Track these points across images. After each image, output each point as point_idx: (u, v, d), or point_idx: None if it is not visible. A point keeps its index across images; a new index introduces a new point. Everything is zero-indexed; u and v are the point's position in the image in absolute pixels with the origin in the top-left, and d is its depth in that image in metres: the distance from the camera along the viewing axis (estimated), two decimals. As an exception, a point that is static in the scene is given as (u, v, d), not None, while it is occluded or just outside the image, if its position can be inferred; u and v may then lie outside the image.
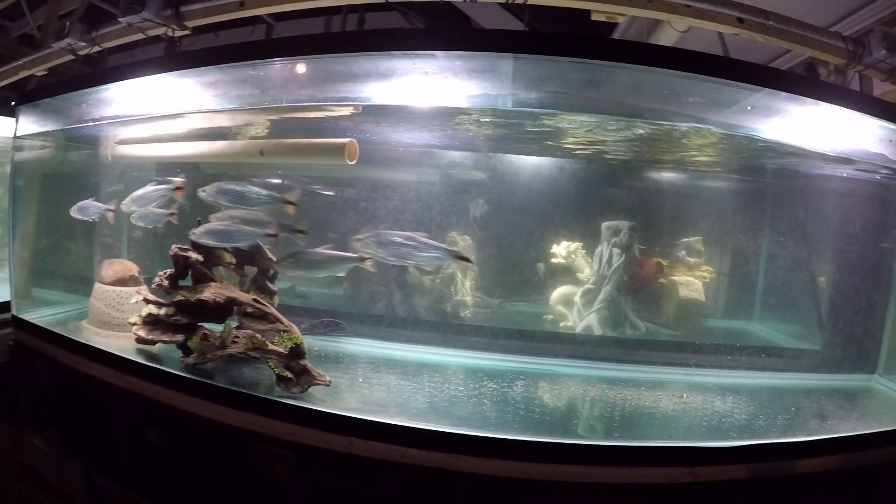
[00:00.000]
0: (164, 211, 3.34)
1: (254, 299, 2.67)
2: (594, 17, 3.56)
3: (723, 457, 2.44)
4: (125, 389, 2.81)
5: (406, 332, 3.59)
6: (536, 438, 2.36)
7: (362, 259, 2.75)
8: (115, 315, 3.36)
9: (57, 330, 3.32)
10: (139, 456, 2.89)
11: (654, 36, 4.77)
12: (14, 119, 3.68)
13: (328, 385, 2.53)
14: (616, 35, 5.50)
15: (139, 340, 2.95)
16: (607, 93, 2.81)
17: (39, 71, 5.38)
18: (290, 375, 2.50)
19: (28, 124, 3.72)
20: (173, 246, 2.85)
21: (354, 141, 2.84)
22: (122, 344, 3.10)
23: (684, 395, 3.10)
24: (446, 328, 3.68)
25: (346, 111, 2.88)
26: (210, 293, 2.70)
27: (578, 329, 3.72)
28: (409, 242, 2.67)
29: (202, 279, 2.84)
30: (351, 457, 2.31)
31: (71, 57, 4.85)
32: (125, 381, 2.82)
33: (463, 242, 3.67)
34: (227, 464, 2.58)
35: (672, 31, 4.45)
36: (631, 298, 3.76)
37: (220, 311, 2.70)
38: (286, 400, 2.45)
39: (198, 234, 2.84)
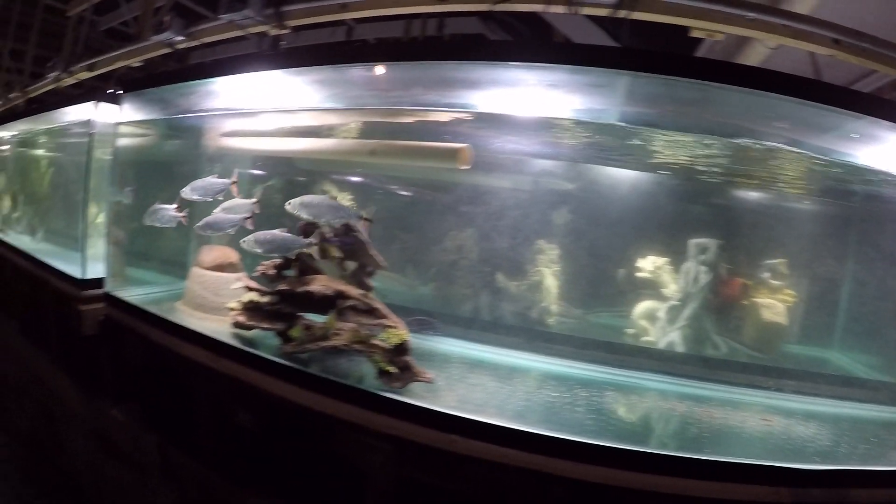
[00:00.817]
0: (175, 213, 3.51)
1: (362, 294, 2.76)
2: (694, 33, 3.57)
3: (808, 479, 2.44)
4: (221, 372, 2.90)
5: (493, 336, 3.65)
6: (633, 447, 2.38)
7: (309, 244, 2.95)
8: (212, 299, 3.50)
9: (151, 309, 3.47)
10: (230, 439, 2.97)
11: (743, 53, 4.75)
12: (117, 107, 3.85)
13: (431, 382, 2.60)
14: (702, 51, 5.50)
15: (237, 325, 3.08)
16: (712, 113, 2.84)
17: (135, 62, 5.60)
18: (393, 370, 2.57)
19: (130, 112, 3.88)
20: (284, 237, 2.95)
21: (469, 146, 2.91)
22: (216, 327, 3.22)
23: (768, 418, 3.10)
24: (532, 334, 3.72)
25: (457, 116, 2.96)
26: (319, 285, 2.80)
27: (661, 344, 3.73)
28: (323, 204, 2.95)
29: (308, 271, 2.94)
30: (452, 454, 2.35)
31: (167, 50, 5.01)
32: (222, 365, 2.93)
33: (550, 251, 3.72)
34: (322, 452, 2.64)
35: (760, 50, 4.43)
36: (714, 317, 3.75)
37: (326, 303, 2.80)
38: (390, 394, 2.52)
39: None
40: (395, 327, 2.65)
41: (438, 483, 2.47)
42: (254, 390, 2.78)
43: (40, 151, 6.46)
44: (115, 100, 3.91)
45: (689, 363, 3.67)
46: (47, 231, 5.86)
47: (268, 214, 3.86)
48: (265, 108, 3.57)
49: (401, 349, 2.60)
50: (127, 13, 7.36)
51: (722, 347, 3.74)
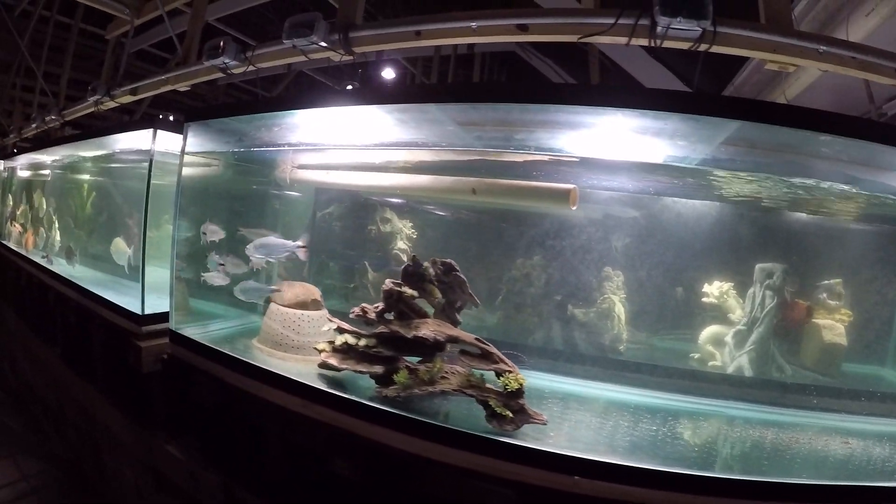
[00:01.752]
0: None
1: (476, 338, 2.82)
2: (768, 66, 3.67)
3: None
4: (314, 419, 2.93)
5: (573, 366, 3.74)
6: (748, 477, 2.50)
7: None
8: (294, 337, 3.53)
9: (224, 349, 3.46)
10: (331, 493, 2.97)
11: (785, 81, 4.90)
12: (182, 136, 3.81)
13: (545, 424, 2.68)
14: (743, 76, 5.63)
15: (326, 367, 3.09)
16: (799, 155, 2.95)
17: (182, 87, 5.57)
18: (509, 414, 2.63)
19: (195, 142, 3.86)
20: (388, 281, 3.00)
21: (576, 187, 2.97)
22: (301, 368, 3.27)
23: (848, 441, 3.23)
24: (611, 363, 3.82)
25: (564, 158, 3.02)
26: (430, 331, 2.84)
27: (730, 370, 3.83)
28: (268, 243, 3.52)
29: (411, 314, 2.99)
30: (576, 496, 2.43)
31: (220, 75, 4.98)
32: (315, 411, 2.94)
33: (617, 278, 3.82)
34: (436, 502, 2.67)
35: (803, 78, 4.56)
36: (780, 341, 3.86)
37: (436, 348, 2.85)
38: (507, 439, 2.57)
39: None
40: (511, 371, 2.71)
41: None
42: (354, 437, 2.80)
43: (100, 178, 6.43)
44: (176, 128, 3.91)
45: (759, 387, 3.79)
46: (93, 257, 5.84)
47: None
48: (357, 143, 3.61)
49: (518, 393, 2.67)
50: (159, 34, 7.28)
51: (787, 371, 3.85)
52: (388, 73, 8.04)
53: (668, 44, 3.46)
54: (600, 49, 6.25)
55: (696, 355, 3.86)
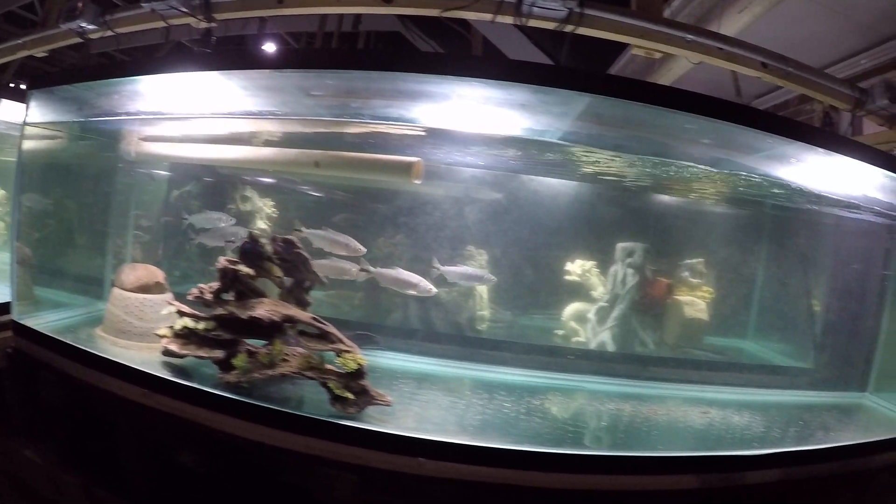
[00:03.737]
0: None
1: (312, 317, 2.64)
2: (634, 51, 3.69)
3: (760, 463, 2.64)
4: (156, 409, 2.68)
5: (432, 346, 3.62)
6: (605, 453, 2.54)
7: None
8: (137, 324, 3.23)
9: (68, 339, 3.14)
10: (171, 483, 2.77)
11: (657, 72, 4.97)
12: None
13: (389, 405, 2.54)
14: (621, 63, 5.69)
15: (168, 353, 2.85)
16: (644, 132, 2.94)
17: (39, 52, 5.09)
18: (350, 396, 2.49)
19: (38, 111, 3.46)
20: (221, 259, 2.77)
21: (421, 160, 2.84)
22: (145, 356, 2.98)
23: (707, 411, 3.27)
24: (472, 342, 3.74)
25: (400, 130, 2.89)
26: (265, 310, 2.64)
27: (592, 345, 3.85)
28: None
29: (249, 294, 2.79)
30: (421, 478, 2.32)
31: (78, 39, 4.58)
32: (157, 401, 2.69)
33: (480, 256, 3.73)
34: (282, 489, 2.52)
35: (683, 64, 4.62)
36: (641, 317, 3.92)
37: (273, 328, 2.66)
38: (349, 422, 2.44)
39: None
40: (350, 351, 2.56)
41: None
42: (197, 427, 2.58)
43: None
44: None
45: (622, 362, 3.84)
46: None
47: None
48: (198, 112, 3.34)
49: (358, 373, 2.52)
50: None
51: (650, 345, 3.91)
52: (270, 48, 7.75)
53: (533, 23, 3.41)
54: (485, 36, 6.21)
55: (560, 332, 3.86)
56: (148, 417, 2.70)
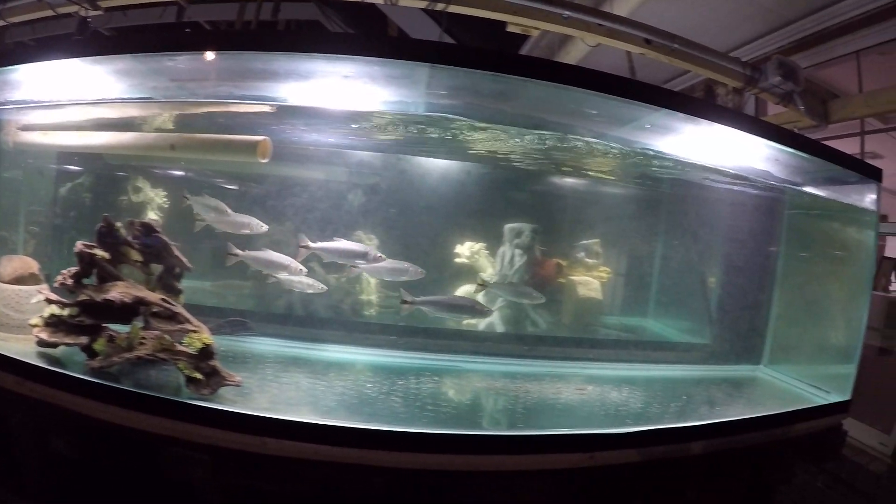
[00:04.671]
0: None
1: (162, 299, 2.63)
2: (509, 28, 3.69)
3: (619, 442, 2.65)
4: (27, 397, 2.63)
5: (312, 331, 3.59)
6: (444, 431, 2.48)
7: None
8: (14, 316, 3.17)
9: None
10: (43, 467, 2.75)
11: (565, 50, 4.99)
12: None
13: (238, 385, 2.53)
14: (527, 47, 5.71)
15: (41, 343, 2.79)
16: (515, 105, 2.95)
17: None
18: (200, 377, 2.47)
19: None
20: (78, 243, 2.74)
21: (268, 139, 2.82)
22: (22, 347, 2.89)
23: (584, 388, 3.30)
24: (353, 326, 3.71)
25: (261, 108, 2.87)
26: (117, 293, 2.62)
27: (481, 326, 3.85)
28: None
29: (108, 278, 2.75)
30: (265, 457, 2.32)
31: None
32: (28, 388, 2.64)
33: (370, 241, 3.70)
34: (141, 470, 2.53)
35: (582, 47, 4.66)
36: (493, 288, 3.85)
37: (127, 311, 2.63)
38: (197, 402, 2.42)
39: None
40: (196, 331, 2.54)
41: (261, 487, 2.44)
42: (66, 413, 2.55)
43: None
44: None
45: (508, 342, 3.84)
46: None
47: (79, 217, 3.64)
48: (63, 100, 3.28)
49: (206, 353, 2.50)
50: None
51: (541, 325, 3.91)
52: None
53: (404, 2, 3.39)
54: (399, 26, 6.21)
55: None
56: (21, 405, 2.67)
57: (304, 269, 3.33)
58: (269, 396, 2.67)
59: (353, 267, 3.39)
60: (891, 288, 7.17)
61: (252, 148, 2.79)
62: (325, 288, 3.44)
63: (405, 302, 3.32)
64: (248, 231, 3.36)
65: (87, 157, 3.91)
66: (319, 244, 3.37)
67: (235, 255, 3.32)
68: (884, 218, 9.16)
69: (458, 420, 2.74)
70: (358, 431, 2.35)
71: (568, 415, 2.97)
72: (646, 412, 3.07)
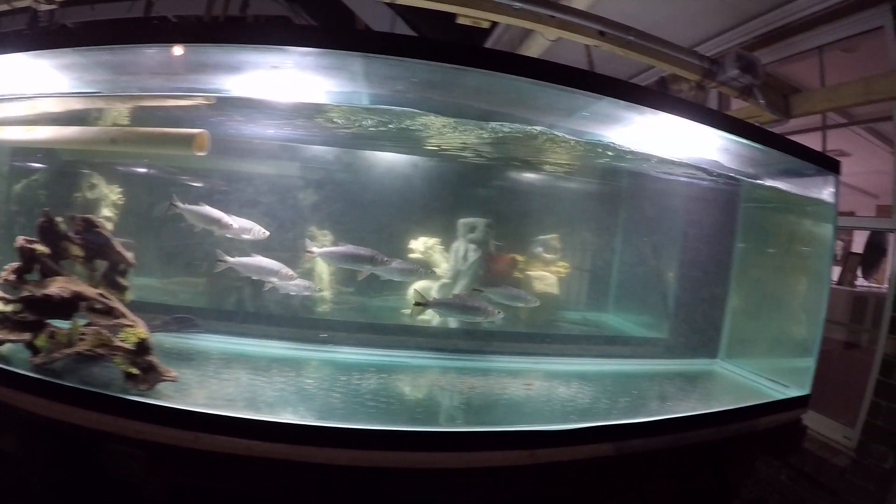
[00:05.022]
0: None
1: (99, 294, 2.62)
2: (460, 20, 3.67)
3: (562, 439, 2.64)
4: None
5: (260, 327, 3.57)
6: (380, 427, 2.45)
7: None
8: (-40, 313, 3.16)
9: None
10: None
11: (526, 44, 4.99)
12: None
13: (175, 381, 2.52)
14: (491, 40, 5.70)
15: None
16: (458, 95, 2.94)
17: None
18: (137, 372, 2.47)
19: None
20: (19, 238, 2.73)
21: (206, 132, 2.82)
22: None
23: (531, 383, 3.30)
24: (302, 323, 3.69)
25: (203, 101, 2.86)
26: (56, 288, 2.61)
27: (435, 322, 3.84)
28: None
29: (49, 273, 2.75)
30: (199, 452, 2.32)
31: None
32: None
33: (322, 237, 3.70)
34: (82, 466, 2.51)
35: (542, 41, 4.65)
36: (487, 292, 3.86)
37: (67, 306, 2.62)
38: (134, 397, 2.41)
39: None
40: (132, 326, 2.54)
41: (196, 483, 2.44)
42: (9, 410, 2.52)
43: None
44: None
45: (461, 338, 3.82)
46: None
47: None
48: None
49: (142, 349, 2.50)
50: None
51: (497, 320, 3.87)
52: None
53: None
54: (365, 20, 6.20)
55: (408, 311, 3.81)
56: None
57: (294, 273, 3.34)
58: (207, 392, 2.67)
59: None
60: (857, 283, 7.24)
61: (188, 141, 2.78)
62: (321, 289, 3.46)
63: (419, 304, 3.35)
64: (249, 237, 3.35)
65: (42, 153, 3.90)
66: (324, 249, 3.41)
67: (224, 261, 3.31)
68: (851, 213, 9.26)
69: (397, 417, 2.73)
70: (290, 427, 2.35)
71: (511, 411, 2.98)
72: (593, 408, 3.07)
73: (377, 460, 2.38)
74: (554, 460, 2.60)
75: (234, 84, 2.85)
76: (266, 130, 3.48)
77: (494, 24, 4.86)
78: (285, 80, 2.78)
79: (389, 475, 2.42)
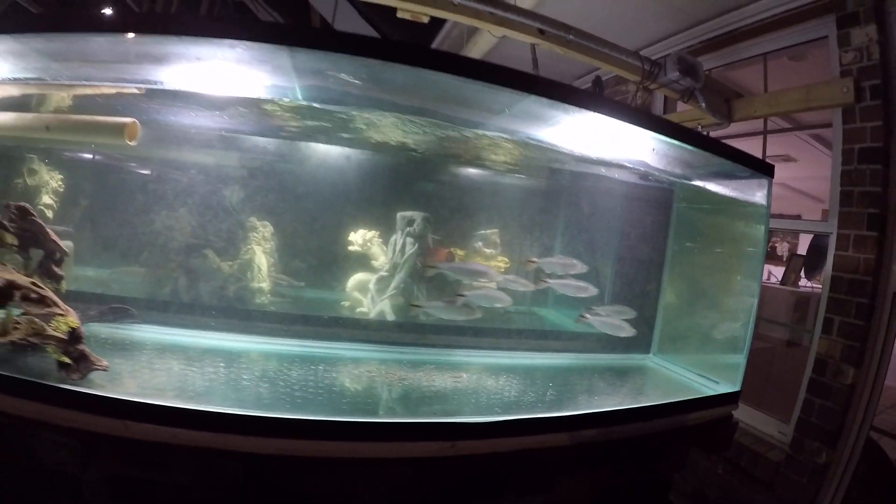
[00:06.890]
0: None
1: (31, 282, 2.65)
2: (399, 14, 3.69)
3: (484, 431, 2.72)
4: None
5: (197, 318, 3.60)
6: (302, 416, 2.52)
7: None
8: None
9: None
10: None
11: (473, 41, 5.05)
12: None
13: (106, 370, 2.58)
14: (439, 37, 5.75)
15: None
16: (386, 91, 2.98)
17: None
18: (69, 361, 2.52)
19: None
20: (-52, 226, 2.76)
21: (136, 121, 2.85)
22: None
23: (458, 376, 3.40)
24: (239, 314, 3.72)
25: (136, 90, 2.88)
26: (-15, 276, 2.65)
27: (372, 315, 3.91)
28: None
29: (-15, 262, 2.78)
30: (127, 440, 2.37)
31: None
32: None
33: (263, 228, 3.77)
34: (15, 457, 2.55)
35: (489, 38, 4.72)
36: (423, 285, 3.99)
37: (2, 295, 2.66)
38: (64, 385, 2.45)
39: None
40: (64, 315, 2.58)
41: (127, 472, 2.51)
42: None
43: None
44: None
45: (397, 330, 3.90)
46: None
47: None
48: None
49: (74, 338, 2.55)
50: None
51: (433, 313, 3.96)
52: (107, 11, 7.50)
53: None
54: (322, 13, 6.21)
55: (346, 303, 3.92)
56: None
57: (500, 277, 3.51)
58: (138, 381, 2.72)
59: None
60: (800, 284, 7.50)
61: (119, 129, 2.81)
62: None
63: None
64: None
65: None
66: (452, 264, 3.64)
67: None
68: (798, 217, 9.54)
69: (323, 407, 2.78)
70: (213, 415, 2.40)
71: (437, 403, 3.05)
72: (519, 401, 3.17)
73: (301, 449, 2.45)
74: (476, 452, 2.68)
75: (166, 76, 2.86)
76: (201, 120, 3.48)
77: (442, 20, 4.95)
78: (215, 72, 2.78)
79: (312, 464, 2.51)
